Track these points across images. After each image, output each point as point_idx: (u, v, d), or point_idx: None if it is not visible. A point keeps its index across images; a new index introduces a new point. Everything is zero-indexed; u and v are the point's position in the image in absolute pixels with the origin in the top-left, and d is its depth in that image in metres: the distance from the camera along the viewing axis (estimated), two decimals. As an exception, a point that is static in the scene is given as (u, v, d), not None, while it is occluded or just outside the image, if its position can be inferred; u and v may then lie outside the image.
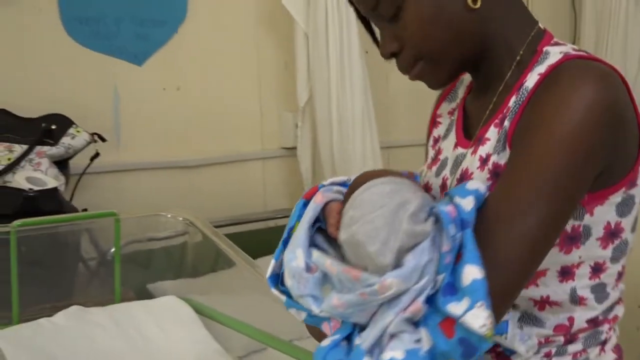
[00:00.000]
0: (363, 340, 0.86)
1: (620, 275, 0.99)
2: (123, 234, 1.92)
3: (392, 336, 0.84)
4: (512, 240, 0.86)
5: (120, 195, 2.47)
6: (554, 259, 0.92)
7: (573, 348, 0.99)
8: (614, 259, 0.96)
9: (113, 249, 2.02)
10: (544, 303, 0.97)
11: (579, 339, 0.99)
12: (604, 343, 1.01)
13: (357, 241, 0.88)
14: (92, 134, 2.28)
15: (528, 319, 0.98)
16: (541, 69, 0.92)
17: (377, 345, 0.85)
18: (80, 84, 2.47)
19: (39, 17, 2.39)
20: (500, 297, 0.84)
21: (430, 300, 0.85)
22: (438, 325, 0.82)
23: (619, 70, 0.92)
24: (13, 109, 2.27)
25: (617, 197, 0.93)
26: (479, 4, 0.94)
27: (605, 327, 1.01)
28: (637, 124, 0.92)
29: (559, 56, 0.92)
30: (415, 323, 0.85)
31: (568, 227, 0.92)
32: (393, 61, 1.01)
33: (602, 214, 0.93)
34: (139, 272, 2.05)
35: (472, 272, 0.82)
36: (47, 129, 2.22)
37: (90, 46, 2.49)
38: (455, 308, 0.81)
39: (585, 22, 3.36)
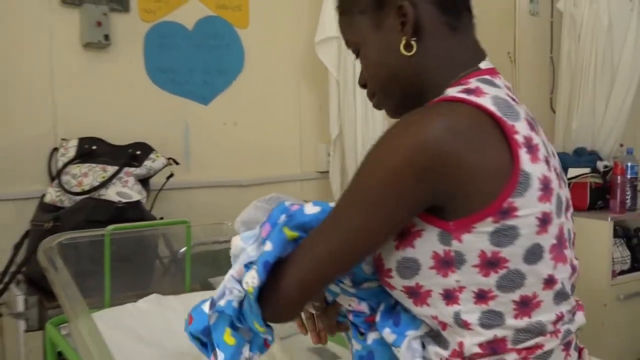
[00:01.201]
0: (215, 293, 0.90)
1: (526, 305, 0.82)
2: (192, 238, 1.92)
3: (230, 291, 0.87)
4: (302, 256, 0.84)
5: (189, 207, 2.50)
6: (433, 280, 0.82)
7: None
8: (503, 288, 0.80)
9: (183, 249, 2.01)
10: (442, 323, 0.85)
11: None
12: None
13: None
14: (168, 159, 2.33)
15: (435, 337, 0.88)
16: None
17: (221, 297, 0.88)
18: (159, 119, 2.51)
19: (130, 67, 2.45)
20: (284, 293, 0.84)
21: None
22: None
23: (493, 111, 0.79)
24: (107, 139, 2.31)
25: (486, 227, 0.77)
26: (412, 52, 0.88)
27: (513, 356, 0.83)
28: (497, 161, 0.78)
29: (435, 99, 0.84)
30: None
31: (441, 252, 0.80)
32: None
33: (473, 243, 0.78)
34: (204, 268, 2.05)
35: (266, 246, 0.84)
36: (133, 154, 2.27)
37: (167, 90, 2.54)
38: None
39: (561, 75, 3.34)
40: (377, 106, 0.98)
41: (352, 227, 0.81)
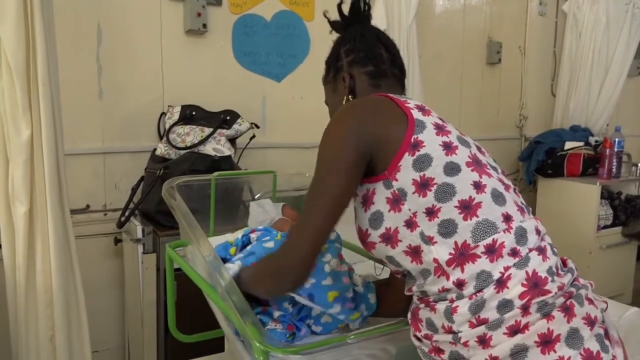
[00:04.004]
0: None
1: (468, 208, 0.85)
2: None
3: None
4: (301, 222, 0.92)
5: (265, 161, 2.54)
6: (396, 218, 0.89)
7: (468, 291, 0.84)
8: (441, 200, 0.85)
9: (258, 194, 2.00)
10: (413, 254, 0.89)
11: (468, 283, 0.84)
12: (500, 282, 0.82)
13: None
14: (251, 123, 2.33)
15: (424, 276, 0.90)
16: None
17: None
18: (243, 92, 2.52)
19: (221, 51, 2.46)
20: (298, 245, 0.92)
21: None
22: None
23: (389, 94, 0.97)
24: (205, 106, 2.33)
25: (407, 161, 0.87)
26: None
27: (487, 264, 0.83)
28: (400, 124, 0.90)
29: None
30: None
31: (390, 195, 0.88)
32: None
33: (404, 177, 0.87)
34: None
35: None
36: (224, 119, 2.27)
37: (249, 69, 2.53)
38: None
39: (562, 65, 3.29)
40: None
41: (329, 185, 0.89)
